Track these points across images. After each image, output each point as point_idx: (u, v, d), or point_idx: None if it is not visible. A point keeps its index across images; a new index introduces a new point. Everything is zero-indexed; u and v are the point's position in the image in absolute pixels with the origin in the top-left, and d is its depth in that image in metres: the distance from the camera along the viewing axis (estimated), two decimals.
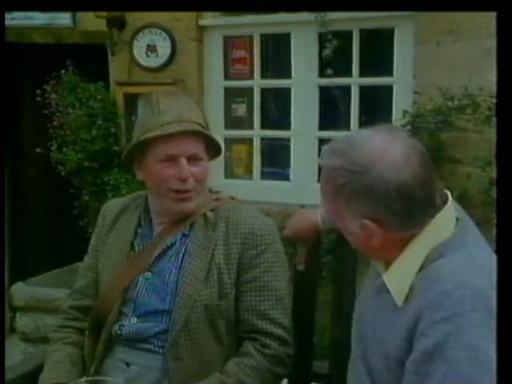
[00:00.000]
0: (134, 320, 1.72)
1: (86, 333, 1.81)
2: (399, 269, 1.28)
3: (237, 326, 1.73)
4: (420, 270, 1.25)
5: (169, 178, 1.70)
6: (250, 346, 1.70)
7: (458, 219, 1.30)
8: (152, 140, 1.69)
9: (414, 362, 1.18)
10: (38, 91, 4.19)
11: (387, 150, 1.23)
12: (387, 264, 1.32)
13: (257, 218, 1.77)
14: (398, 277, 1.27)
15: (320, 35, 3.91)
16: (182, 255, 1.73)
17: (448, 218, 1.29)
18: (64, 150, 4.19)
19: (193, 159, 1.70)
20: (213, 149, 1.79)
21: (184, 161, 1.69)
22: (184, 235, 1.76)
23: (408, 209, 1.22)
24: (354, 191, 1.23)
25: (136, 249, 1.79)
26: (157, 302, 1.71)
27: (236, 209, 1.80)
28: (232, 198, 1.92)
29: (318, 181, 1.36)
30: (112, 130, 4.21)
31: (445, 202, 1.31)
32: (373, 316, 1.36)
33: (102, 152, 4.16)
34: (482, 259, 1.24)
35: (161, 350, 1.68)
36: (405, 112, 3.51)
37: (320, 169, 1.33)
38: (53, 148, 4.22)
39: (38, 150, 4.28)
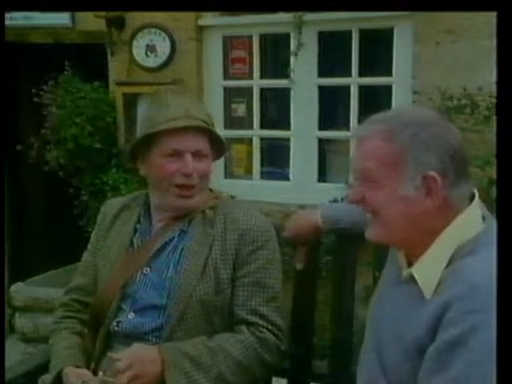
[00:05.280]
0: (131, 315, 1.72)
1: (86, 330, 1.81)
2: (427, 262, 1.29)
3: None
4: (448, 266, 1.27)
5: (173, 173, 1.72)
6: (243, 327, 1.70)
7: (484, 217, 1.32)
8: (158, 134, 1.71)
9: (437, 349, 1.19)
10: (33, 91, 4.17)
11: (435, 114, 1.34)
12: (410, 258, 1.35)
13: (255, 215, 1.78)
14: (427, 270, 1.29)
15: (319, 35, 3.91)
16: (179, 251, 1.74)
17: (475, 215, 1.31)
18: (48, 148, 4.18)
19: (197, 155, 1.73)
20: (217, 147, 1.81)
21: (189, 156, 1.71)
22: (182, 231, 1.77)
23: (462, 165, 1.29)
24: (422, 141, 1.26)
25: (135, 245, 1.80)
26: (154, 297, 1.72)
27: (234, 206, 1.82)
28: (232, 197, 1.92)
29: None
30: (111, 128, 4.19)
31: (471, 199, 1.33)
32: (392, 308, 1.37)
33: (92, 151, 4.13)
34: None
35: None
36: None
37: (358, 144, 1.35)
38: (34, 146, 4.20)
39: (18, 147, 4.23)
